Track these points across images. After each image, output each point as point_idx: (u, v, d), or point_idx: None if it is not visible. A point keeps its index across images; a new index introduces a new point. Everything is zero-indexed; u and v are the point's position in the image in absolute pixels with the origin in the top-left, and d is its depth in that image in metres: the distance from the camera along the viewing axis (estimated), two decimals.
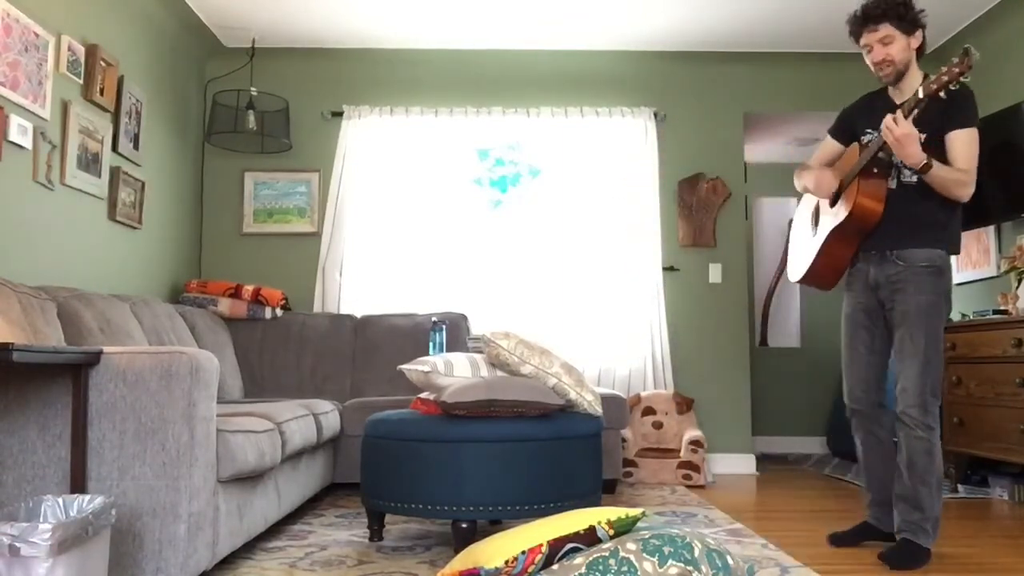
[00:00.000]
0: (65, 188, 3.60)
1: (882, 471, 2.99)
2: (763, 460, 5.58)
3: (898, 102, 2.87)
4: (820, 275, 3.04)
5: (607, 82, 5.28)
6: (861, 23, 2.86)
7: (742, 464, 5.11)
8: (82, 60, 3.70)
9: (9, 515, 1.95)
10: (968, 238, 4.98)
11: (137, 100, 4.24)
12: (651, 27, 4.97)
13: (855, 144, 2.96)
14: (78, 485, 2.22)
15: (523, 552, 1.93)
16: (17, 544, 1.75)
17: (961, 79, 2.61)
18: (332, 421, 3.86)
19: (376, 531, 3.11)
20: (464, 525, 2.81)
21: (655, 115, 5.22)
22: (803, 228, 3.16)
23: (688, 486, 4.56)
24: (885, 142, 2.71)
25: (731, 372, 5.17)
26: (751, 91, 5.33)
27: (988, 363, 4.13)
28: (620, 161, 5.16)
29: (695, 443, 4.66)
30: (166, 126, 4.69)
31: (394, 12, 4.79)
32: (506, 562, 1.92)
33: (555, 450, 2.93)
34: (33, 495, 2.19)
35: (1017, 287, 4.18)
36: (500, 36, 5.12)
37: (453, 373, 3.00)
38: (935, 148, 2.76)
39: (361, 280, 5.11)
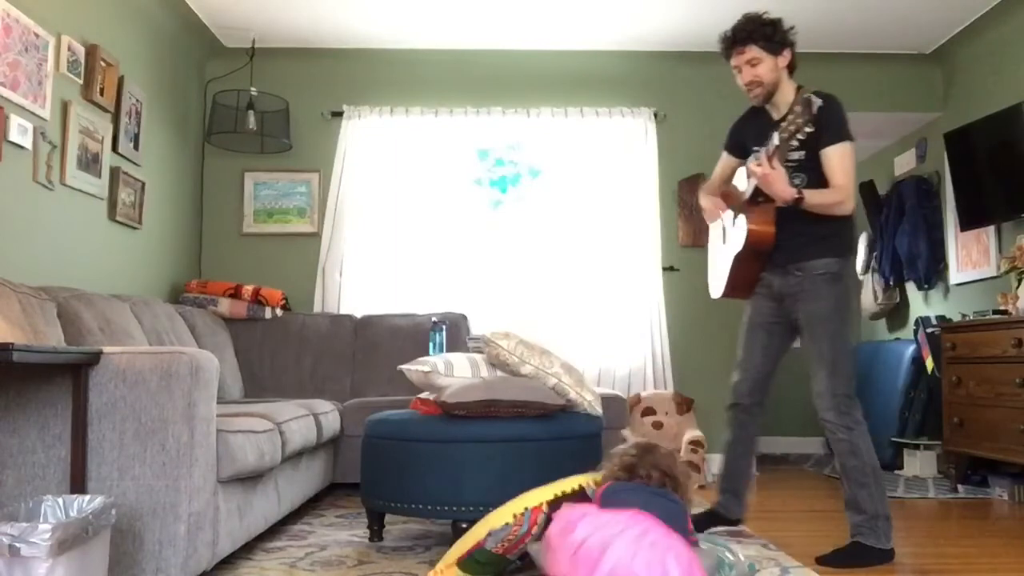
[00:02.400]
0: (65, 188, 3.60)
1: (739, 463, 3.14)
2: (763, 460, 5.58)
3: (775, 117, 2.93)
4: (740, 288, 3.13)
5: (607, 82, 5.28)
6: (730, 45, 2.92)
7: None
8: (82, 60, 3.70)
9: (9, 515, 1.95)
10: (968, 238, 4.99)
11: (137, 100, 4.24)
12: (651, 27, 4.97)
13: (742, 168, 3.04)
14: (78, 485, 2.22)
15: (527, 509, 2.13)
16: (17, 544, 1.75)
17: (808, 128, 2.70)
18: (332, 421, 3.86)
19: (376, 531, 3.11)
20: (464, 525, 2.80)
21: (655, 115, 5.22)
22: (717, 244, 3.23)
23: None
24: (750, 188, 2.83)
25: (731, 372, 5.15)
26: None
27: (988, 363, 4.13)
28: (620, 161, 5.16)
29: (695, 443, 4.66)
30: (166, 126, 4.69)
31: (394, 12, 4.79)
32: (514, 516, 2.12)
33: (555, 450, 2.93)
34: (33, 495, 2.19)
35: (1017, 287, 4.18)
36: (500, 36, 5.12)
37: (453, 373, 3.00)
38: (815, 166, 2.83)
39: (361, 280, 5.11)
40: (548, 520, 2.13)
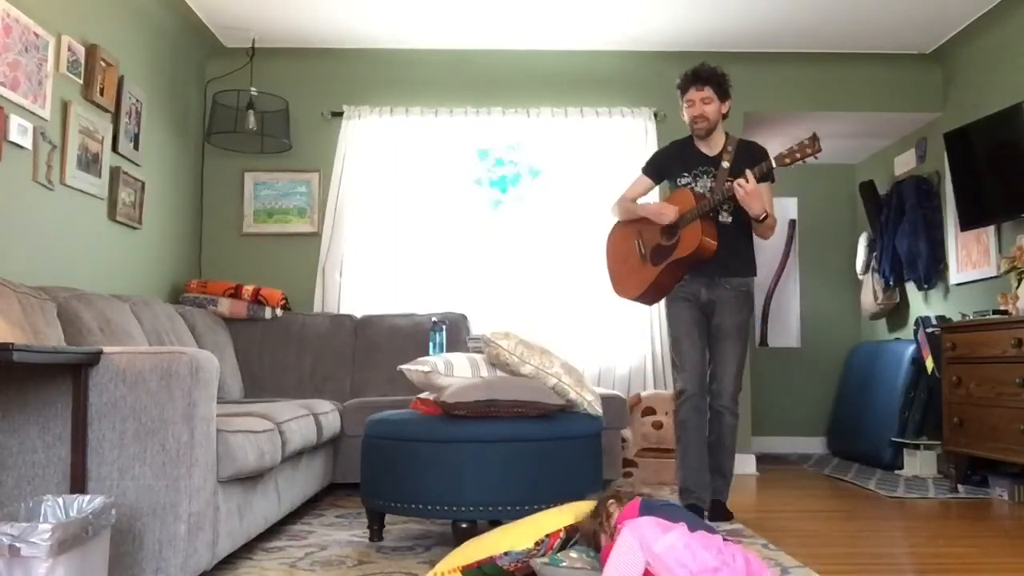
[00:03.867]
0: (65, 188, 3.60)
1: (702, 452, 3.49)
2: (763, 460, 5.58)
3: (706, 153, 3.51)
4: (654, 294, 3.60)
5: (607, 82, 5.28)
6: (691, 81, 3.47)
7: (742, 464, 5.10)
8: (82, 60, 3.70)
9: (9, 515, 1.95)
10: (968, 238, 4.99)
11: (137, 100, 4.24)
12: (651, 27, 4.97)
13: (684, 189, 3.50)
14: (78, 485, 2.22)
15: (547, 536, 2.20)
16: (17, 544, 1.75)
17: (807, 159, 3.30)
18: (332, 421, 3.86)
19: (376, 531, 3.11)
20: (464, 525, 2.81)
21: (655, 115, 5.22)
22: (628, 252, 3.65)
23: None
24: (731, 195, 3.32)
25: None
26: (751, 91, 5.32)
27: (988, 363, 4.13)
28: (620, 161, 5.15)
29: None
30: (166, 126, 4.69)
31: (394, 12, 4.79)
32: (536, 543, 2.17)
33: (555, 450, 2.93)
34: (33, 495, 2.19)
35: (1017, 287, 4.18)
36: (500, 36, 5.12)
37: (453, 373, 3.00)
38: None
39: (361, 280, 5.11)
40: (565, 543, 2.22)
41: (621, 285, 3.71)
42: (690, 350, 3.50)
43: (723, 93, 3.48)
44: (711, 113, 3.46)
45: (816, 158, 3.31)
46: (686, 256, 3.40)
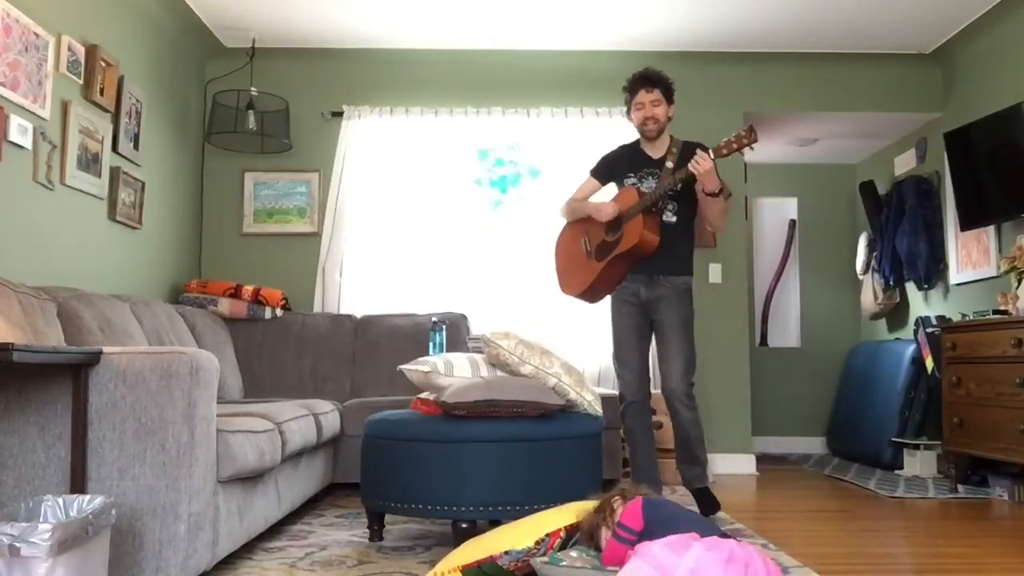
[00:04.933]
0: (65, 188, 3.60)
1: (651, 453, 3.61)
2: (763, 460, 5.58)
3: (652, 156, 3.60)
4: (597, 291, 3.69)
5: (607, 82, 5.26)
6: (641, 84, 3.57)
7: (742, 464, 5.11)
8: (82, 60, 3.70)
9: (9, 515, 1.95)
10: (968, 238, 4.99)
11: (137, 100, 4.24)
12: (651, 27, 4.97)
13: (629, 188, 3.58)
14: (78, 485, 2.22)
15: (547, 535, 2.21)
16: (17, 544, 1.75)
17: (743, 150, 3.34)
18: (332, 421, 3.86)
19: (376, 531, 3.11)
20: (464, 525, 2.81)
21: None
22: (575, 251, 3.76)
23: None
24: (682, 177, 3.39)
25: (731, 372, 5.17)
26: (751, 91, 5.33)
27: (988, 363, 4.13)
28: None
29: None
30: (166, 126, 4.69)
31: (394, 12, 4.79)
32: (536, 542, 2.18)
33: (555, 450, 2.93)
34: (33, 495, 2.19)
35: (1017, 287, 4.18)
36: (500, 36, 5.12)
37: (453, 373, 3.00)
38: (684, 197, 3.53)
39: (361, 280, 5.11)
40: (565, 542, 2.23)
41: (566, 282, 3.80)
42: (629, 355, 3.60)
43: (670, 97, 3.59)
44: (660, 115, 3.55)
45: (752, 148, 3.35)
46: (628, 250, 3.46)
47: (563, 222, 3.92)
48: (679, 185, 3.44)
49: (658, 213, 3.52)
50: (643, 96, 3.56)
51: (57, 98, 3.51)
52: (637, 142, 3.69)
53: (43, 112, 3.38)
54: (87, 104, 3.76)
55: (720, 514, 3.58)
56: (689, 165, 3.33)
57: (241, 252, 5.18)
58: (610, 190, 3.78)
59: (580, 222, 3.75)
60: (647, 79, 3.56)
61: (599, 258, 3.61)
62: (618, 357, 3.65)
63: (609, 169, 3.75)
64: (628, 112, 3.66)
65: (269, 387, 4.63)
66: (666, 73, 3.61)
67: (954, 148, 4.87)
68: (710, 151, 3.36)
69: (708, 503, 3.50)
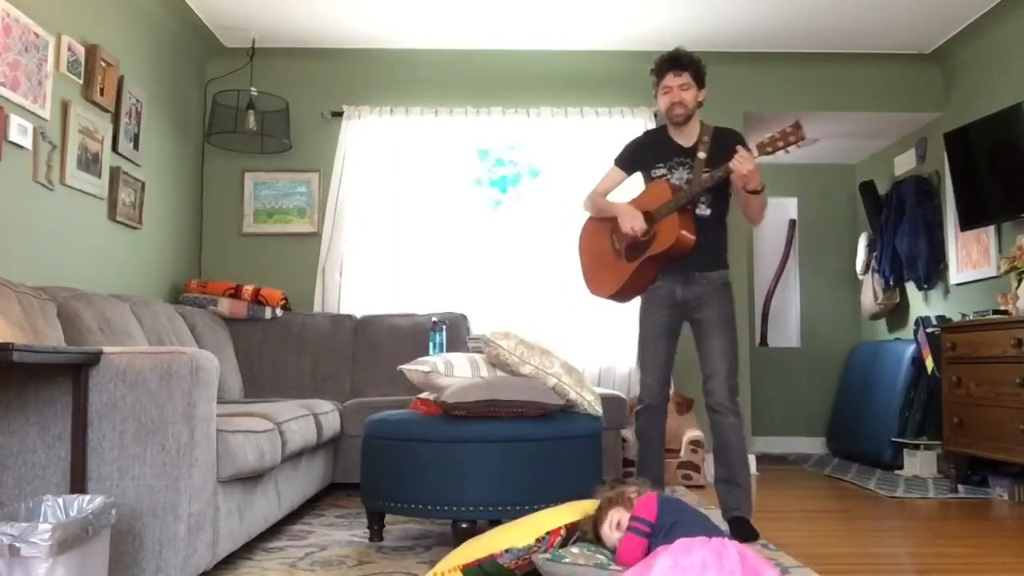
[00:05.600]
0: (65, 188, 3.59)
1: (661, 455, 3.41)
2: (763, 460, 5.58)
3: (682, 144, 3.32)
4: (629, 292, 3.43)
5: (607, 82, 5.28)
6: (669, 66, 3.28)
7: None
8: (82, 60, 3.70)
9: (9, 515, 1.95)
10: (968, 238, 4.99)
11: (137, 100, 4.24)
12: (651, 27, 4.97)
13: (659, 182, 3.30)
14: (78, 485, 2.22)
15: (547, 533, 2.22)
16: (17, 544, 1.75)
17: (789, 148, 3.12)
18: (332, 421, 3.86)
19: (376, 531, 3.11)
20: (464, 525, 2.81)
21: (655, 115, 5.21)
22: (602, 249, 3.49)
23: (688, 486, 4.56)
24: (724, 173, 3.13)
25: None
26: (751, 91, 5.32)
27: (988, 363, 4.13)
28: None
29: (695, 443, 4.66)
30: (166, 126, 4.69)
31: (394, 12, 4.79)
32: (537, 540, 2.18)
33: (555, 450, 2.93)
34: (33, 495, 2.19)
35: (1017, 287, 4.18)
36: (500, 36, 5.12)
37: (453, 373, 3.00)
38: (719, 192, 3.28)
39: (361, 280, 5.11)
40: (566, 540, 2.25)
41: (595, 283, 3.55)
42: (653, 358, 3.36)
43: (700, 81, 3.30)
44: (689, 100, 3.27)
45: (799, 146, 3.15)
46: (663, 252, 3.22)
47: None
48: (716, 180, 3.19)
49: (693, 209, 3.27)
50: (671, 79, 3.26)
51: (57, 98, 3.51)
52: (664, 128, 3.42)
53: (43, 112, 3.38)
54: (87, 104, 3.76)
55: (720, 514, 3.57)
56: (730, 164, 3.09)
57: (241, 252, 5.18)
58: (635, 181, 3.56)
59: (606, 218, 3.47)
60: (675, 61, 3.27)
61: (630, 258, 3.34)
62: (642, 360, 3.42)
63: (635, 158, 3.47)
64: (655, 96, 3.37)
65: (269, 387, 4.63)
66: (697, 56, 3.32)
67: (954, 148, 4.87)
68: (753, 148, 3.12)
69: (743, 532, 3.04)
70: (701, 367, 3.32)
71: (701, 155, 3.26)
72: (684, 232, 3.19)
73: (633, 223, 3.25)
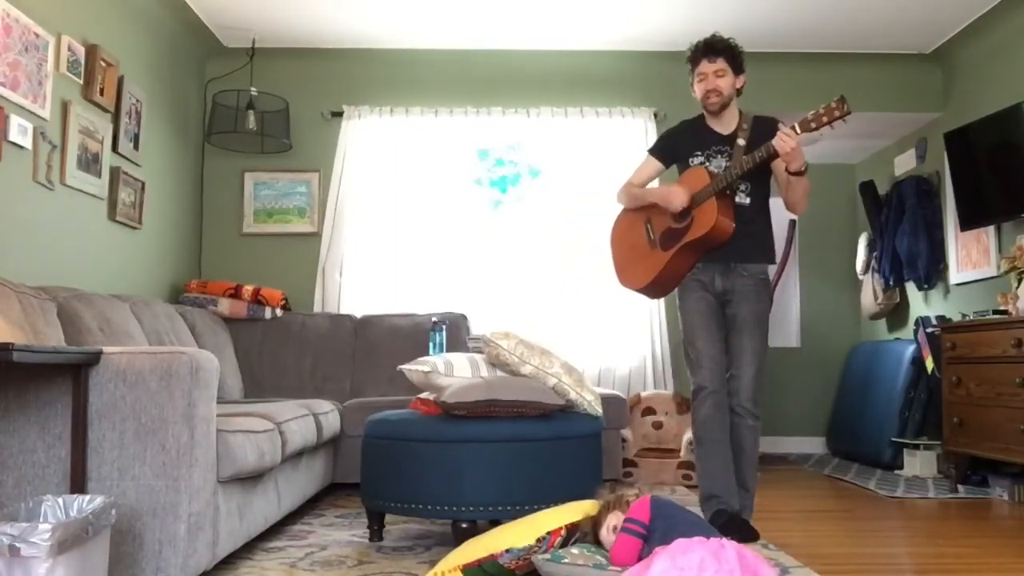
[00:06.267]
0: (65, 188, 3.60)
1: (725, 453, 3.12)
2: (763, 460, 5.57)
3: (720, 131, 3.20)
4: (663, 283, 3.29)
5: (607, 82, 5.28)
6: (703, 53, 3.18)
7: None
8: (82, 60, 3.70)
9: (9, 515, 1.95)
10: (968, 238, 4.99)
11: (137, 100, 4.24)
12: (651, 27, 4.97)
13: (697, 168, 3.18)
14: (78, 485, 2.22)
15: (548, 533, 2.22)
16: (17, 544, 1.75)
17: (835, 122, 2.94)
18: (332, 421, 3.86)
19: (376, 531, 3.11)
20: (464, 525, 2.81)
21: (655, 115, 5.22)
22: (636, 240, 3.35)
23: (688, 486, 4.56)
24: (763, 155, 2.98)
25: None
26: (751, 91, 5.27)
27: (988, 363, 4.13)
28: (620, 161, 5.15)
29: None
30: (166, 126, 4.69)
31: (394, 12, 4.79)
32: (537, 540, 2.19)
33: (555, 450, 2.93)
34: (33, 495, 2.19)
35: (1017, 287, 4.18)
36: (500, 36, 5.12)
37: (453, 373, 3.00)
38: (759, 177, 3.15)
39: (361, 280, 5.11)
40: (566, 540, 2.26)
41: (627, 274, 3.39)
42: (707, 345, 3.15)
43: (737, 66, 3.19)
44: (725, 87, 3.16)
45: (845, 121, 2.96)
46: (700, 237, 3.08)
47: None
48: (758, 162, 3.03)
49: (731, 195, 3.13)
50: (705, 66, 3.16)
51: (57, 98, 3.51)
52: (701, 116, 3.29)
53: (43, 112, 3.38)
54: (87, 104, 3.76)
55: None
56: (773, 141, 2.94)
57: (241, 252, 5.19)
58: (670, 174, 3.43)
59: (641, 208, 3.33)
60: (710, 47, 3.16)
61: (665, 247, 3.21)
62: (692, 348, 3.18)
63: (672, 148, 3.34)
64: (691, 85, 3.24)
65: (269, 387, 4.63)
66: (734, 40, 3.22)
67: (954, 148, 4.87)
68: (796, 125, 2.95)
69: (742, 531, 2.97)
70: (729, 365, 3.16)
71: (740, 142, 3.13)
72: (722, 217, 3.05)
73: (677, 197, 3.13)
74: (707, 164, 3.18)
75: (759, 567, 1.92)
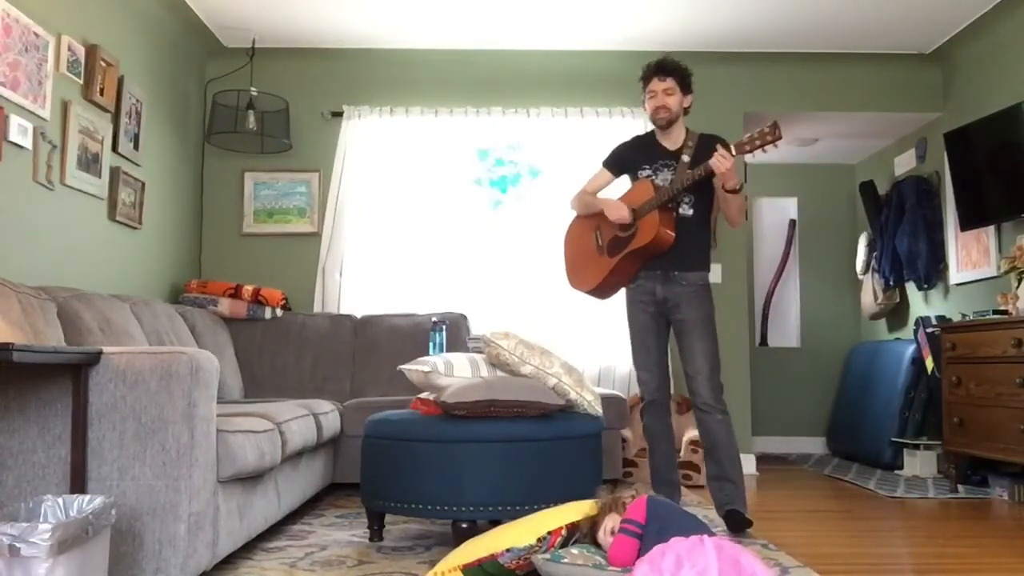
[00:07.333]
0: (65, 188, 3.60)
1: (670, 454, 3.50)
2: (763, 460, 5.58)
3: (668, 147, 3.46)
4: (609, 287, 3.57)
5: (607, 82, 5.28)
6: (655, 72, 3.45)
7: (742, 464, 5.10)
8: (82, 60, 3.70)
9: (9, 515, 1.95)
10: (968, 238, 4.99)
11: (137, 100, 4.24)
12: (651, 27, 4.97)
13: (643, 181, 3.44)
14: (78, 485, 2.22)
15: (548, 532, 2.24)
16: (17, 544, 1.75)
17: (767, 147, 3.17)
18: (332, 421, 3.86)
19: (376, 531, 3.11)
20: (464, 525, 2.81)
21: None
22: (586, 245, 3.64)
23: (688, 486, 4.56)
24: (702, 173, 3.23)
25: (731, 372, 5.15)
26: (751, 91, 5.33)
27: (988, 363, 4.13)
28: None
29: (695, 443, 4.66)
30: (166, 126, 4.69)
31: (394, 12, 4.79)
32: (538, 540, 2.20)
33: (555, 450, 2.93)
34: (33, 495, 2.19)
35: (1017, 287, 4.18)
36: (500, 36, 5.12)
37: (453, 373, 3.00)
38: (702, 192, 3.40)
39: (361, 280, 5.11)
40: (567, 540, 2.27)
41: (576, 277, 3.69)
42: (645, 357, 3.47)
43: (685, 86, 3.45)
44: (673, 104, 3.42)
45: (776, 146, 3.20)
46: (643, 246, 3.34)
47: (572, 215, 3.79)
48: (697, 179, 3.28)
49: (674, 207, 3.38)
50: (655, 84, 3.43)
51: (57, 98, 3.51)
52: (652, 133, 3.57)
53: (43, 112, 3.38)
54: (87, 104, 3.76)
55: None
56: (710, 162, 3.19)
57: (241, 252, 5.18)
58: (622, 182, 3.67)
59: (592, 216, 3.61)
60: (661, 67, 3.44)
61: (612, 254, 3.49)
62: (635, 359, 3.52)
63: (622, 160, 3.61)
64: (643, 101, 3.52)
65: (269, 387, 4.63)
66: (684, 64, 3.48)
67: (954, 148, 4.87)
68: (731, 147, 3.20)
69: (736, 523, 3.23)
70: (684, 368, 3.42)
71: (685, 158, 3.39)
72: (663, 228, 3.32)
73: (619, 212, 3.40)
74: (654, 177, 3.44)
75: (739, 555, 1.93)
